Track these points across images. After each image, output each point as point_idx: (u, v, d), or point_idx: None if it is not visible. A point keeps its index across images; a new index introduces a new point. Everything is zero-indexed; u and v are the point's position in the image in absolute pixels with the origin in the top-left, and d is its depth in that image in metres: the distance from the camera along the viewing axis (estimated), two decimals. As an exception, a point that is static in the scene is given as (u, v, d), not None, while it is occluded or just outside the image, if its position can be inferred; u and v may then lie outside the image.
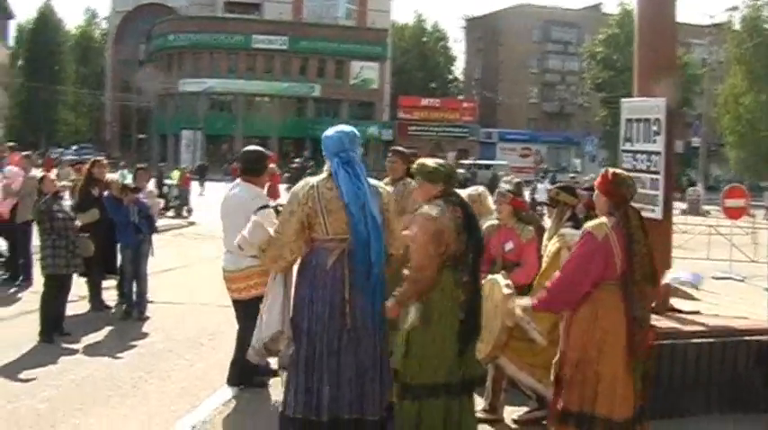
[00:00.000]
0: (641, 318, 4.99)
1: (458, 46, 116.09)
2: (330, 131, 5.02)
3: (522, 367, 5.91)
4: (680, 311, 7.28)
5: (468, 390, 5.30)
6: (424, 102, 72.93)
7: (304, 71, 70.25)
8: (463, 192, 6.28)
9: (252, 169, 7.00)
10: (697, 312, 7.38)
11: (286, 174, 41.71)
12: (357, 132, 5.03)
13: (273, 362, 7.14)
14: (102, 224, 10.18)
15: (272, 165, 10.53)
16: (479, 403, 6.11)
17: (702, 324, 6.87)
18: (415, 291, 4.96)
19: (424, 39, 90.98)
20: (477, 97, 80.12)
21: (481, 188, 7.85)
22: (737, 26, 43.88)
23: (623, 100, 7.65)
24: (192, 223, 24.22)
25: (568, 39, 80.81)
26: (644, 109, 7.31)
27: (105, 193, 10.23)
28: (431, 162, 5.38)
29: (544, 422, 6.10)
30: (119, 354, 8.36)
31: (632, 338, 4.94)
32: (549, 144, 75.87)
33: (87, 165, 10.94)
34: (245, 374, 6.98)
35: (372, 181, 4.98)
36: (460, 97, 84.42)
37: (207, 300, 11.21)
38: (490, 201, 7.26)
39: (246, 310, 6.70)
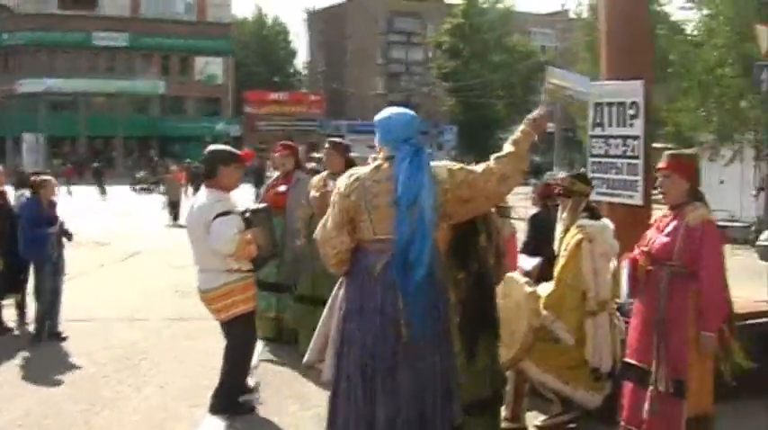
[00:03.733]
0: None
1: (300, 39, 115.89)
2: (392, 113, 4.33)
3: (546, 369, 5.54)
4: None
5: (489, 407, 4.91)
6: (272, 96, 71.92)
7: (147, 68, 68.12)
8: None
9: (205, 173, 6.33)
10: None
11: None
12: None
13: (251, 381, 6.56)
14: (2, 236, 9.15)
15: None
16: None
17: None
18: None
19: (265, 33, 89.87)
20: (324, 90, 79.77)
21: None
22: (585, 14, 45.03)
23: (592, 83, 7.31)
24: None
25: (412, 29, 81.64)
26: (618, 92, 7.11)
27: (27, 196, 9.21)
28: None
29: (571, 425, 5.78)
30: (52, 386, 7.36)
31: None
32: (399, 134, 76.10)
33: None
34: (233, 400, 6.23)
35: (437, 164, 4.28)
36: (304, 90, 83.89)
37: (111, 314, 10.36)
38: None
39: (231, 332, 6.04)
